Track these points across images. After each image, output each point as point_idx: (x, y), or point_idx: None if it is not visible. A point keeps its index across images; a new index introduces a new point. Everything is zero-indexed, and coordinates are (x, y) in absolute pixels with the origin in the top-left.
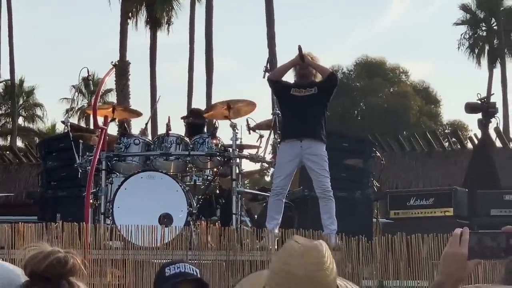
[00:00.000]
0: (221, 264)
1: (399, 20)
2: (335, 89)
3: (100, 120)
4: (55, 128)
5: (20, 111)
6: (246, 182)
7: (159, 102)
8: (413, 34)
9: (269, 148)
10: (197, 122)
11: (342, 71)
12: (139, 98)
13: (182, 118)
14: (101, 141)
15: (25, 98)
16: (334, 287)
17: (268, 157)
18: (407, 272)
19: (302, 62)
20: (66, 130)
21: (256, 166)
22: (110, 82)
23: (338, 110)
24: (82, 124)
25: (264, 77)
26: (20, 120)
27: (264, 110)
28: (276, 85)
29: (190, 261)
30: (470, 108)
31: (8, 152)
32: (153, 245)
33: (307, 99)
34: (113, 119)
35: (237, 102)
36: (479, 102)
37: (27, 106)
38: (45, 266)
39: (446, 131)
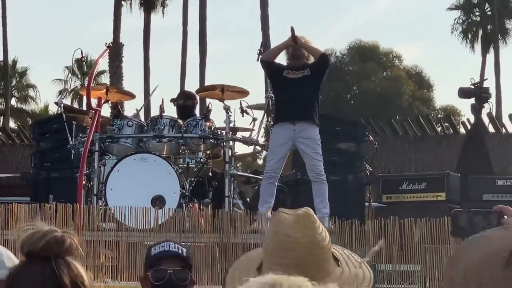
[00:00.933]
0: (214, 246)
1: (393, 5)
2: (327, 70)
3: (94, 102)
4: (48, 109)
5: (13, 92)
6: (238, 165)
7: (156, 90)
8: (407, 19)
9: (262, 131)
10: (187, 104)
11: (335, 55)
12: (132, 80)
13: (172, 100)
14: (95, 123)
15: (18, 79)
16: (330, 252)
17: (261, 140)
18: (399, 256)
19: (295, 44)
20: (59, 111)
21: (249, 149)
22: (103, 64)
23: (331, 94)
24: (75, 105)
25: (258, 60)
26: (13, 101)
27: (258, 93)
28: (269, 66)
29: (183, 243)
30: (463, 93)
31: (0, 133)
32: (146, 227)
33: (300, 81)
34: (106, 101)
35: (231, 88)
36: (472, 87)
37: (20, 87)
38: (42, 245)
39: (439, 116)
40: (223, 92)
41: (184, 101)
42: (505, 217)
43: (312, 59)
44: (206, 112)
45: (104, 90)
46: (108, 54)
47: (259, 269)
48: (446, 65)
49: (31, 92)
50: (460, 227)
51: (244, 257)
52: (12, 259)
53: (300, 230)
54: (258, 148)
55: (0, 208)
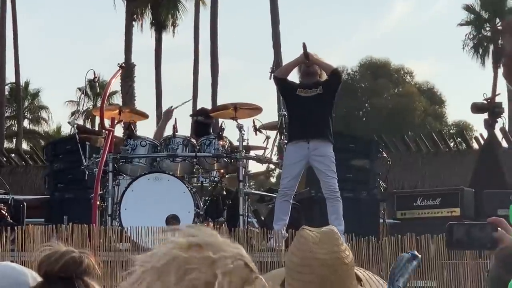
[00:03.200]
0: None
1: (403, 21)
2: (339, 86)
3: (107, 122)
4: (60, 131)
5: (26, 114)
6: (251, 183)
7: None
8: (417, 35)
9: (275, 149)
10: (207, 122)
11: (347, 71)
12: (144, 100)
13: (191, 115)
14: (108, 143)
15: (30, 100)
16: (353, 270)
17: (275, 158)
18: (416, 272)
19: (307, 60)
20: (72, 132)
21: (262, 168)
22: (115, 84)
23: (342, 111)
24: (88, 126)
25: (270, 78)
26: (26, 123)
27: (270, 111)
28: (282, 83)
29: None
30: (476, 108)
31: (13, 154)
32: None
33: (313, 100)
34: (119, 121)
35: (244, 105)
36: (485, 102)
37: (32, 108)
38: (60, 266)
39: (452, 131)
40: (236, 110)
41: (205, 118)
42: (499, 229)
43: (324, 76)
44: (219, 131)
45: (117, 110)
46: (120, 74)
47: (282, 285)
48: (458, 81)
49: (43, 114)
50: (456, 239)
51: (267, 275)
52: (37, 280)
53: (324, 248)
54: (272, 166)
55: (16, 230)
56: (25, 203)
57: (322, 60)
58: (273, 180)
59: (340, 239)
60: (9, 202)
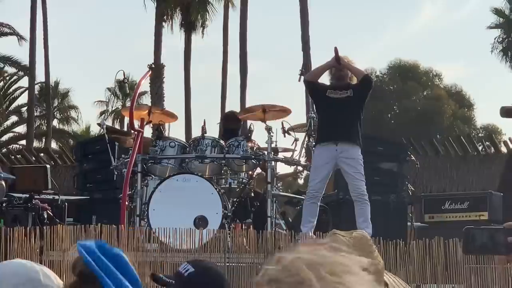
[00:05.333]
0: (258, 266)
1: (431, 23)
2: (369, 92)
3: (136, 123)
4: (89, 131)
5: (55, 113)
6: (279, 185)
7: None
8: (446, 37)
9: (303, 151)
10: (233, 126)
11: (376, 74)
12: (173, 101)
13: (219, 123)
14: (138, 144)
15: (60, 100)
16: (383, 276)
17: (303, 160)
18: (444, 276)
19: (338, 64)
20: (102, 133)
21: (289, 169)
22: (144, 85)
23: (371, 113)
24: (117, 126)
25: (299, 80)
26: (55, 122)
27: (298, 113)
28: (312, 86)
29: (228, 264)
30: (506, 112)
31: (43, 154)
32: (190, 248)
33: (343, 102)
34: (148, 122)
35: (273, 107)
36: None
37: (61, 108)
38: None
39: (480, 135)
40: (265, 112)
41: (231, 123)
42: None
43: (355, 80)
44: (248, 133)
45: (147, 111)
46: (149, 75)
47: None
48: (486, 84)
49: (72, 113)
50: (472, 244)
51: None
52: (50, 277)
53: (357, 253)
54: (300, 168)
55: (45, 229)
56: (66, 203)
57: (353, 65)
58: (300, 182)
59: (373, 245)
60: (59, 202)
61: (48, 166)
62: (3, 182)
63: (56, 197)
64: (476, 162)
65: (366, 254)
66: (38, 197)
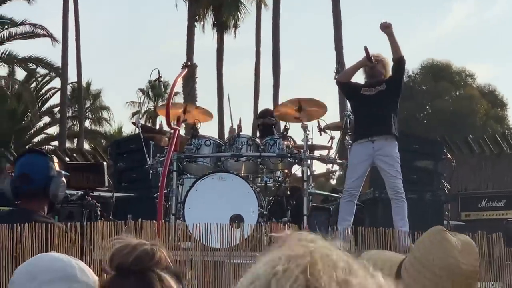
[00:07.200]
0: None
1: (461, 22)
2: (403, 76)
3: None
4: (121, 131)
5: (87, 114)
6: (313, 184)
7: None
8: (477, 36)
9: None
10: (270, 122)
11: (408, 74)
12: (205, 101)
13: (257, 118)
14: (174, 142)
15: (92, 101)
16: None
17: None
18: (486, 272)
19: (370, 63)
20: (136, 131)
21: (322, 169)
22: (176, 86)
23: (404, 113)
24: None
25: (335, 78)
26: (87, 123)
27: (330, 112)
28: (345, 86)
29: None
30: None
31: (75, 154)
32: (226, 246)
33: (377, 97)
34: (184, 120)
35: (308, 102)
36: None
37: (93, 109)
38: (133, 258)
39: None
40: (301, 110)
41: (268, 119)
42: None
43: (389, 75)
44: (283, 131)
45: (182, 110)
46: (185, 73)
47: (397, 273)
48: None
49: (104, 114)
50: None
51: (378, 253)
52: (86, 273)
53: (466, 258)
54: (333, 168)
55: (86, 225)
56: (113, 201)
57: (387, 65)
58: (333, 182)
59: (477, 251)
60: (112, 200)
61: (105, 163)
62: (64, 179)
63: (110, 194)
64: (511, 160)
65: (475, 262)
66: (92, 194)
